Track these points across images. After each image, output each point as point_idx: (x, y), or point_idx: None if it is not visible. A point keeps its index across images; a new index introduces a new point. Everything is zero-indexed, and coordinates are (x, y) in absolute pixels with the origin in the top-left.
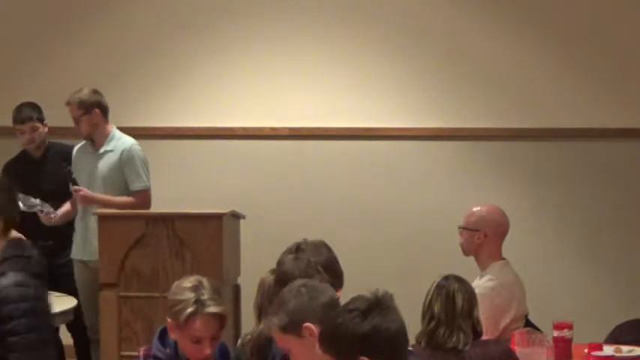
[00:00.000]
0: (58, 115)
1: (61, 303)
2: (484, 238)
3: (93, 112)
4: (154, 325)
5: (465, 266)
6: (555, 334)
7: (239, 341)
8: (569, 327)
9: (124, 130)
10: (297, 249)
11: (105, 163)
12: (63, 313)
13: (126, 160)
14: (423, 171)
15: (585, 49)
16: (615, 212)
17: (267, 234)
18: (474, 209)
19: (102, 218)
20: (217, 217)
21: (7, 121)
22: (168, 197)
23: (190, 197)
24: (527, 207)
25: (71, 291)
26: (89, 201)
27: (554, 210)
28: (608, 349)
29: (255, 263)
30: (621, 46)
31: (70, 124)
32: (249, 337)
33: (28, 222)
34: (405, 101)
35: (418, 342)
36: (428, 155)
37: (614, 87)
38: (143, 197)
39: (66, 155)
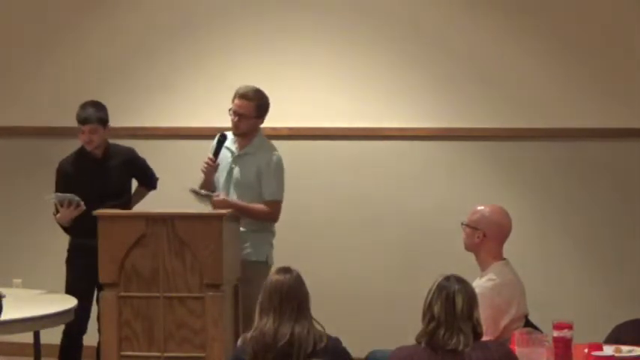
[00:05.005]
0: (59, 116)
1: (61, 303)
2: (483, 237)
3: (261, 119)
4: (154, 325)
5: (465, 266)
6: (555, 334)
7: (239, 340)
8: (569, 327)
9: (125, 130)
10: None
11: (244, 166)
12: (63, 313)
13: (268, 169)
14: (423, 171)
15: (585, 49)
16: (615, 212)
17: None
18: (479, 207)
19: (102, 218)
20: (217, 217)
21: (7, 122)
22: (169, 197)
23: (191, 197)
24: (527, 207)
25: None
26: (226, 206)
27: (554, 210)
28: (608, 349)
29: None
30: (621, 46)
31: (74, 123)
32: (249, 335)
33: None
34: (405, 101)
35: (418, 342)
36: (428, 155)
37: (613, 87)
38: (277, 208)
39: (127, 158)
